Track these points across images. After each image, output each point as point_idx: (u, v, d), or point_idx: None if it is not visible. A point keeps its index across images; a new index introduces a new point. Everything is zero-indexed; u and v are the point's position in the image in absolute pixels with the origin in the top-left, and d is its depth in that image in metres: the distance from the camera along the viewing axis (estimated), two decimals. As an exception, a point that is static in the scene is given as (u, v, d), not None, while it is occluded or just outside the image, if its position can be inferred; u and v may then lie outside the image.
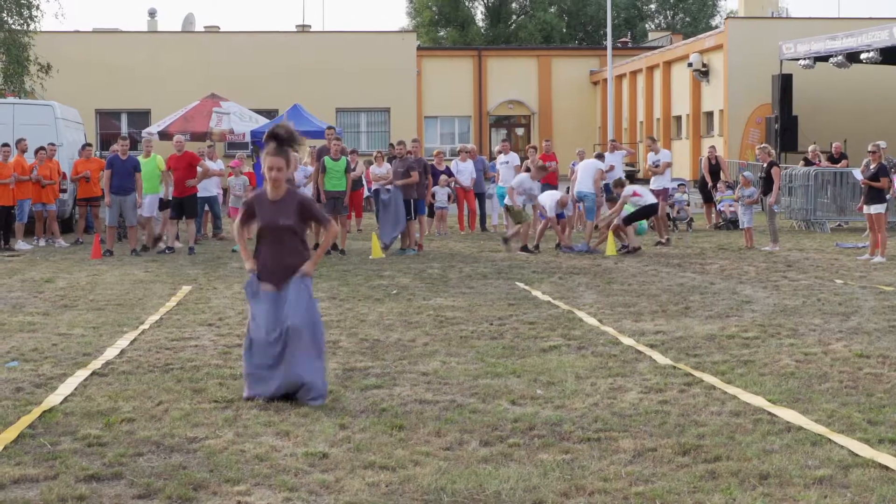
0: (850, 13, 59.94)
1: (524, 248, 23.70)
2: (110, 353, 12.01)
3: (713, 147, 35.11)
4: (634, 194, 24.12)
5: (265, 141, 9.73)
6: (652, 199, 24.61)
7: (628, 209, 23.79)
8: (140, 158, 24.30)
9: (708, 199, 32.09)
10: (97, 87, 47.94)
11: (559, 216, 24.49)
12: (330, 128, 26.78)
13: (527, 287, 17.66)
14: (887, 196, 23.04)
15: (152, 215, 25.08)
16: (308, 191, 25.73)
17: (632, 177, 31.77)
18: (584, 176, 24.76)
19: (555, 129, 56.59)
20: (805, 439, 8.13)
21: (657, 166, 28.17)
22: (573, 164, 27.26)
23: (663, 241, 25.09)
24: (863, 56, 38.40)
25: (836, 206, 30.13)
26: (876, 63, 38.59)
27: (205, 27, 58.22)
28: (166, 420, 8.92)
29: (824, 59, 40.69)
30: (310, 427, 8.66)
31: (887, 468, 7.38)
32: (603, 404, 9.41)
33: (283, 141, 9.56)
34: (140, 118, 48.22)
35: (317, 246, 23.73)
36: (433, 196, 29.37)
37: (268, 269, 9.70)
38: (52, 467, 7.53)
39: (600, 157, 28.70)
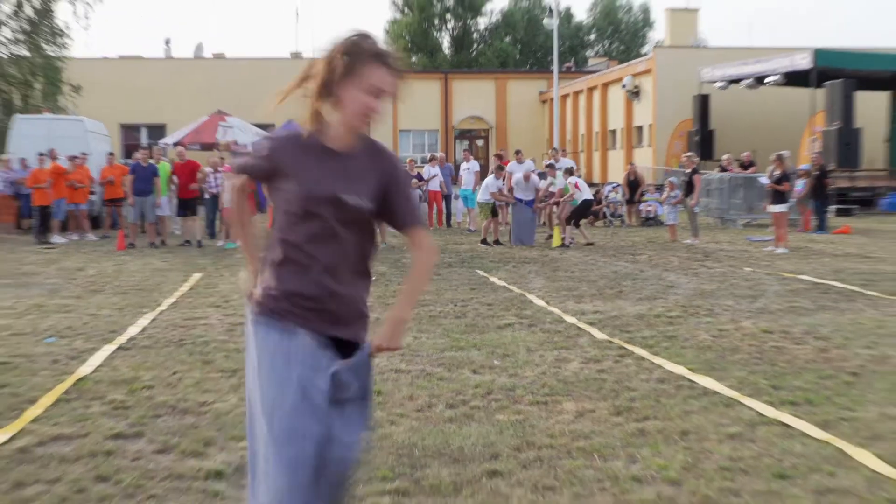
0: (758, 43, 60.15)
1: (484, 242, 23.74)
2: (133, 330, 11.99)
3: (633, 164, 35.21)
4: (576, 186, 24.18)
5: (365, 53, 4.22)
6: (588, 196, 24.69)
7: (573, 204, 23.85)
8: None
9: (629, 202, 32.37)
10: (121, 104, 47.89)
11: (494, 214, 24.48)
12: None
13: (485, 274, 17.69)
14: (788, 198, 23.22)
15: (166, 213, 25.35)
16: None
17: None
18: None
19: (509, 140, 56.56)
20: (719, 402, 8.18)
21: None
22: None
23: (567, 244, 24.12)
24: (769, 79, 38.65)
25: (746, 205, 30.27)
26: (780, 85, 38.84)
27: (213, 54, 58.10)
28: (180, 387, 8.91)
29: (737, 81, 40.95)
30: (302, 393, 8.65)
31: (788, 426, 7.43)
32: (550, 373, 9.44)
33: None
34: (157, 131, 48.11)
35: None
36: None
37: (296, 302, 4.16)
38: (84, 427, 7.52)
39: (541, 175, 28.17)
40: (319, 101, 4.22)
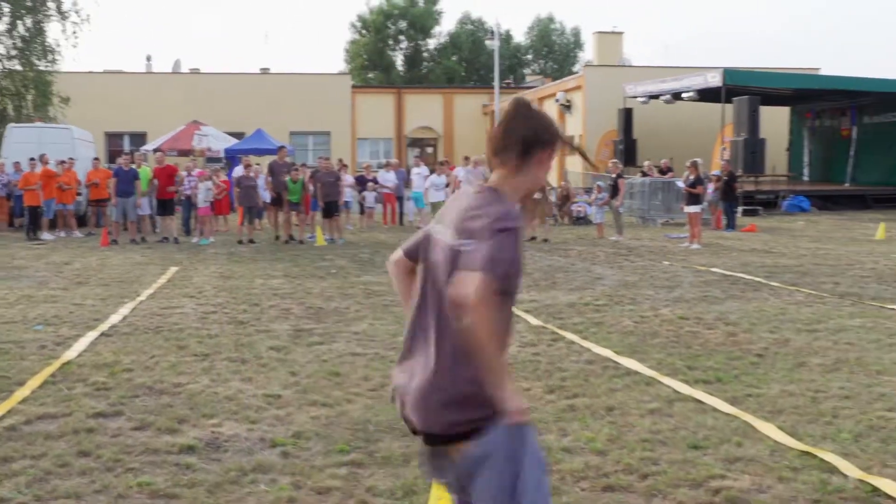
0: (676, 63, 60.57)
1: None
2: (114, 318, 11.86)
3: (566, 182, 35.41)
4: None
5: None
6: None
7: None
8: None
9: (560, 208, 32.53)
10: (105, 114, 47.35)
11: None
12: (281, 147, 26.90)
13: (434, 267, 17.64)
14: (702, 200, 23.37)
15: (147, 213, 25.24)
16: (267, 196, 25.70)
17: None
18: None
19: (455, 148, 56.49)
20: (641, 381, 8.20)
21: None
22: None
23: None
24: (684, 95, 38.85)
25: (664, 206, 30.41)
26: (694, 100, 39.04)
27: (189, 69, 57.56)
28: (157, 370, 8.81)
29: (656, 97, 41.14)
30: (268, 374, 8.60)
31: (701, 402, 7.47)
32: (490, 355, 9.41)
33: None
34: (139, 138, 47.52)
35: (292, 239, 23.77)
36: (363, 198, 29.56)
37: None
38: (68, 406, 7.42)
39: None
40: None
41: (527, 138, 3.25)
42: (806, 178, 43.56)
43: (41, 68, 40.05)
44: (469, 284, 2.93)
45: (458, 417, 3.14)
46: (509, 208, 3.12)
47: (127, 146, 46.96)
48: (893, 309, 12.18)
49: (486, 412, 3.09)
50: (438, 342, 3.17)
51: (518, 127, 3.26)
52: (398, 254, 3.47)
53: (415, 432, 3.35)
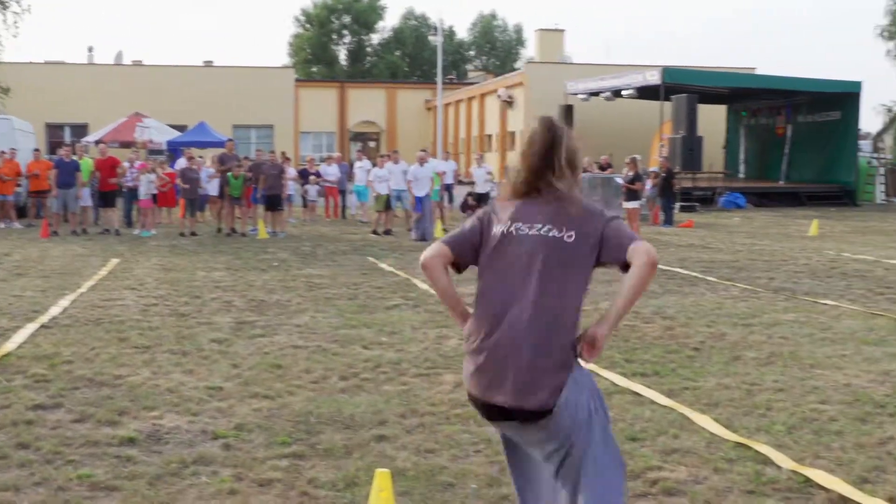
0: (616, 61, 61.03)
1: (374, 232, 23.65)
2: (54, 310, 11.69)
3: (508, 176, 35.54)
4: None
5: None
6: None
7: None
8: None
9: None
10: (46, 105, 46.72)
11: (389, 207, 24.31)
12: (229, 140, 26.69)
13: (375, 261, 17.62)
14: (641, 195, 23.58)
15: (88, 204, 24.87)
16: (212, 188, 25.53)
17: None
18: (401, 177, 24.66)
19: (399, 142, 56.41)
20: (580, 373, 8.24)
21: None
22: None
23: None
24: (624, 93, 39.23)
25: (604, 202, 30.53)
26: (634, 98, 39.43)
27: (132, 61, 56.97)
28: (97, 362, 8.70)
29: (597, 94, 41.46)
30: (209, 367, 8.53)
31: (638, 394, 7.53)
32: (432, 348, 9.43)
33: None
34: (80, 130, 46.94)
35: (225, 230, 23.67)
36: (306, 191, 29.46)
37: None
38: (7, 399, 7.31)
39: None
40: None
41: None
42: (742, 176, 44.13)
43: (-20, 59, 39.34)
44: (642, 249, 3.68)
45: (560, 381, 3.67)
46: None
47: (68, 137, 46.33)
48: (826, 304, 12.37)
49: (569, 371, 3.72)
50: (547, 310, 3.71)
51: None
52: (440, 249, 3.91)
53: (505, 416, 3.75)
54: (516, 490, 4.11)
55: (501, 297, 3.78)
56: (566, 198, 3.85)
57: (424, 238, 21.69)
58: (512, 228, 3.83)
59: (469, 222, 4.01)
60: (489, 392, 3.73)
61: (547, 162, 3.88)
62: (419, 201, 22.97)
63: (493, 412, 3.79)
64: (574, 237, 3.77)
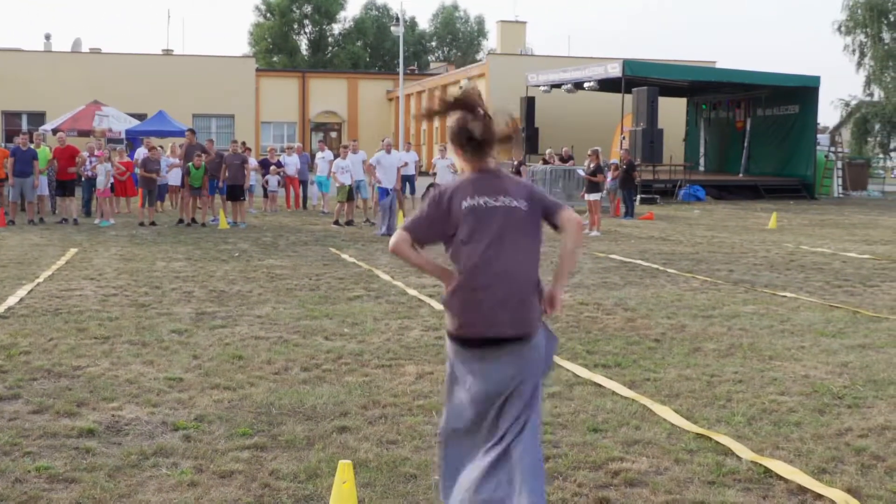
0: (577, 53, 61.17)
1: (336, 223, 23.58)
2: (11, 300, 11.55)
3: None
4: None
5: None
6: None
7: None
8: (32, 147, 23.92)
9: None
10: (2, 92, 46.17)
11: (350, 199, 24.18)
12: (190, 130, 26.50)
13: (337, 251, 17.57)
14: (602, 188, 23.67)
15: (45, 193, 24.58)
16: (172, 178, 25.39)
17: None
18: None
19: (360, 133, 56.28)
20: (541, 365, 8.26)
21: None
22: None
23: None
24: (586, 85, 39.34)
25: (565, 194, 30.69)
26: (595, 90, 39.56)
27: (90, 49, 56.32)
28: (56, 352, 8.61)
29: (558, 86, 41.55)
30: (169, 357, 8.46)
31: (600, 385, 7.56)
32: (394, 339, 9.42)
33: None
34: (37, 118, 46.38)
35: (196, 222, 23.53)
36: (267, 182, 29.29)
37: None
38: (-37, 390, 7.21)
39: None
40: None
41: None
42: (702, 168, 44.42)
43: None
44: (573, 216, 4.59)
45: (536, 315, 4.50)
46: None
47: (25, 126, 45.80)
48: (785, 296, 12.48)
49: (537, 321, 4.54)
50: (521, 263, 4.53)
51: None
52: (404, 235, 4.52)
53: (495, 341, 4.43)
54: (443, 480, 4.58)
55: (484, 258, 4.44)
56: (504, 174, 4.63)
57: (390, 233, 20.26)
58: (481, 202, 4.48)
59: (426, 205, 4.57)
60: (491, 328, 4.41)
61: (485, 134, 4.49)
62: (383, 193, 22.12)
63: (487, 343, 4.43)
64: (526, 206, 4.51)
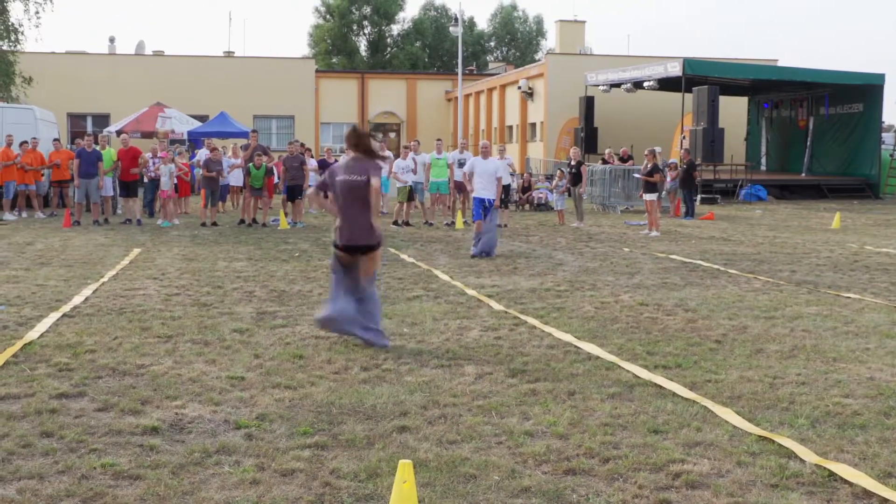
0: (636, 52, 60.80)
1: (395, 223, 23.64)
2: (77, 299, 11.74)
3: (530, 173, 35.49)
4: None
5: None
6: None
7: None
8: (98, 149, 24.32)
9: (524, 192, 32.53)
10: (68, 95, 46.93)
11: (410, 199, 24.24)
12: (253, 131, 26.71)
13: (396, 251, 17.62)
14: (660, 188, 23.49)
15: (109, 194, 24.93)
16: (233, 179, 25.68)
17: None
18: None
19: (419, 133, 56.40)
20: (601, 365, 8.23)
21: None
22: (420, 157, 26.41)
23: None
24: (645, 84, 39.01)
25: (624, 194, 30.51)
26: (654, 90, 39.23)
27: (153, 51, 57.07)
28: (120, 351, 8.74)
29: (617, 85, 41.26)
30: (231, 356, 8.55)
31: (661, 387, 7.51)
32: (453, 339, 9.43)
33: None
34: (102, 120, 47.15)
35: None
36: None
37: None
38: (31, 387, 7.35)
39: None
40: None
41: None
42: (763, 168, 43.89)
43: (3, 48, 39.41)
44: (375, 182, 8.95)
45: (374, 236, 9.03)
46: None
47: (90, 127, 46.52)
48: (849, 297, 12.30)
49: (377, 237, 9.08)
50: (362, 212, 8.95)
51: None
52: (317, 191, 9.35)
53: (352, 250, 9.02)
54: (333, 290, 9.17)
55: (346, 209, 8.98)
56: (361, 159, 9.00)
57: (489, 254, 16.81)
58: (345, 176, 8.97)
59: (326, 175, 9.25)
60: (351, 241, 8.97)
61: (356, 144, 9.10)
62: (479, 205, 17.51)
63: (353, 250, 8.98)
64: (364, 179, 8.89)
